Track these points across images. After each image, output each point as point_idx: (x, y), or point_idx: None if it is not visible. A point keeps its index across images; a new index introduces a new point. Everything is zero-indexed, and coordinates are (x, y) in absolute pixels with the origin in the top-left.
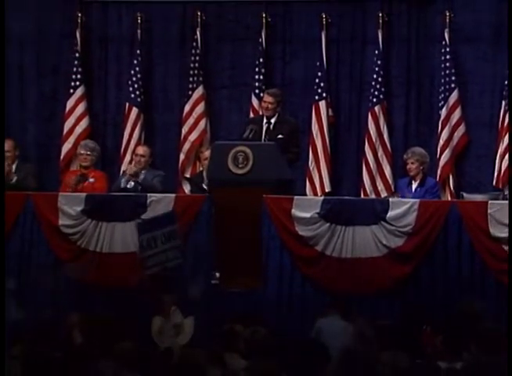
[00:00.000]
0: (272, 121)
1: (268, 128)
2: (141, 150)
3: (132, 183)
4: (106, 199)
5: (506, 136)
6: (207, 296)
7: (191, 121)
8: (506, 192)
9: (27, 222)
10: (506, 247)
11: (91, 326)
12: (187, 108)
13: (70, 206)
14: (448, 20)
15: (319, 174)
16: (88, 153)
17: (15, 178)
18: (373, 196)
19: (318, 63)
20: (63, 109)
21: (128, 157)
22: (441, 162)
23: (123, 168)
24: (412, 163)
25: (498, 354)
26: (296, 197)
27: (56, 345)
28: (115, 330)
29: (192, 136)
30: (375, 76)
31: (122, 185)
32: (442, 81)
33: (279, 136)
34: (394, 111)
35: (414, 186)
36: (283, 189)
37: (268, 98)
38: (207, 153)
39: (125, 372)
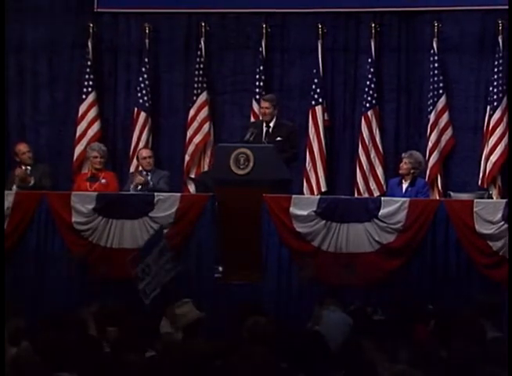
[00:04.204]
0: (271, 124)
1: (267, 131)
2: (145, 152)
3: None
4: (115, 198)
5: (491, 139)
6: (211, 289)
7: (195, 124)
8: (491, 191)
9: (43, 220)
10: (490, 243)
11: (104, 317)
12: (192, 112)
13: (82, 204)
14: (436, 31)
15: (316, 174)
16: (102, 156)
17: (32, 181)
18: (366, 195)
19: (314, 71)
20: (76, 114)
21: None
22: (430, 163)
23: (131, 169)
24: (405, 163)
25: (483, 343)
26: (294, 195)
27: (71, 333)
28: (124, 321)
29: (197, 139)
30: (368, 83)
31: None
32: (431, 87)
33: (278, 139)
34: (385, 116)
35: (404, 185)
36: (282, 188)
37: (264, 103)
38: None
39: (132, 361)
